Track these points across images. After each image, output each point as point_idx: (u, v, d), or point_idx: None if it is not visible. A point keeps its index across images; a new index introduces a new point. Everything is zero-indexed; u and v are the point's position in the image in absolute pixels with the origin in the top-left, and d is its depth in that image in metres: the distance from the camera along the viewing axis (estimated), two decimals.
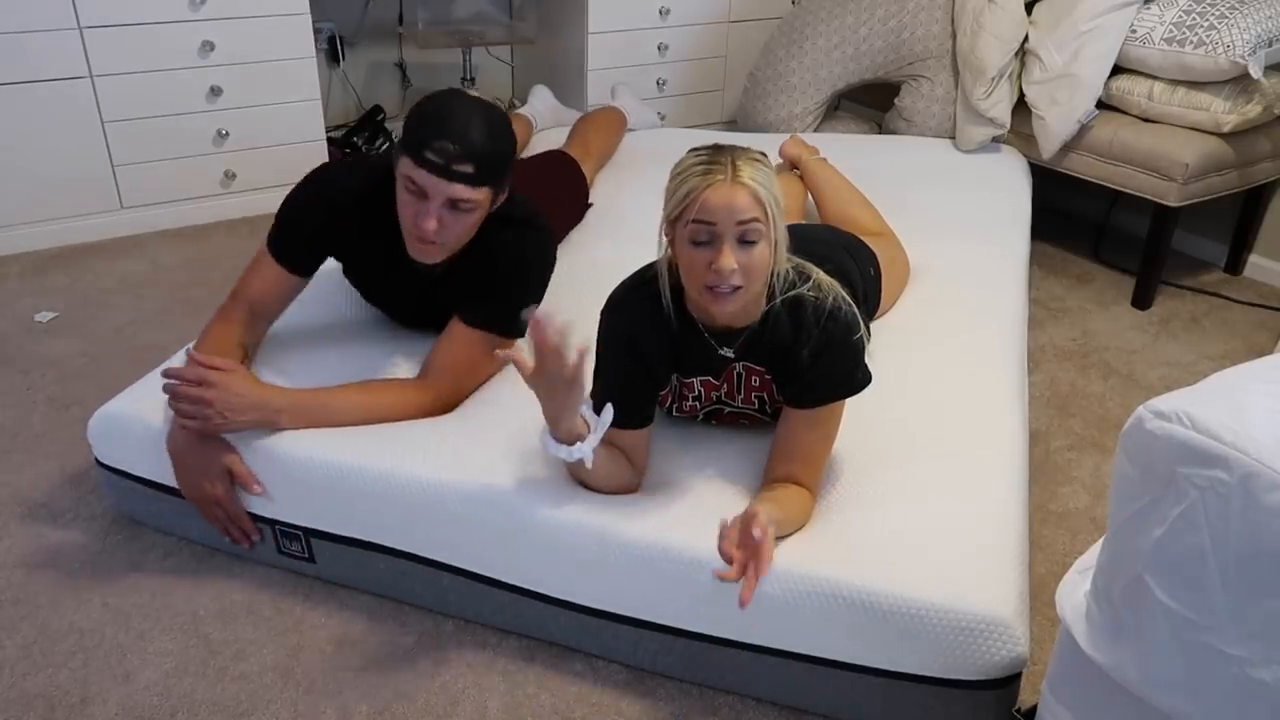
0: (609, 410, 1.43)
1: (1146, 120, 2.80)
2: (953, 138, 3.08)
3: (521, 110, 3.14)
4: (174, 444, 1.65)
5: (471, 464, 1.58)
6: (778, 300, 1.46)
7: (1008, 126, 2.96)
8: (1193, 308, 2.87)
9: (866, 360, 1.52)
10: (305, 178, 1.73)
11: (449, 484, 1.56)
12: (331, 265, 1.87)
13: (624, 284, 1.54)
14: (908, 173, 2.80)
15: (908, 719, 1.45)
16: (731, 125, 3.85)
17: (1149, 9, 2.76)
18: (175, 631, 1.63)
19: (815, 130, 3.27)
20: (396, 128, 3.69)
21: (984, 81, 2.90)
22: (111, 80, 2.83)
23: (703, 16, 3.69)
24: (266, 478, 1.65)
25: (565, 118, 3.21)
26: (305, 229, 1.72)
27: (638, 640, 1.55)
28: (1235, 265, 3.07)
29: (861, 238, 2.00)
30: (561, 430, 1.40)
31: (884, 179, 2.62)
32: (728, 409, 1.63)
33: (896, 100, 3.20)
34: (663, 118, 3.69)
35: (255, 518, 1.70)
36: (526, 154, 2.77)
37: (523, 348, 1.87)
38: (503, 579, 1.58)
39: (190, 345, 1.73)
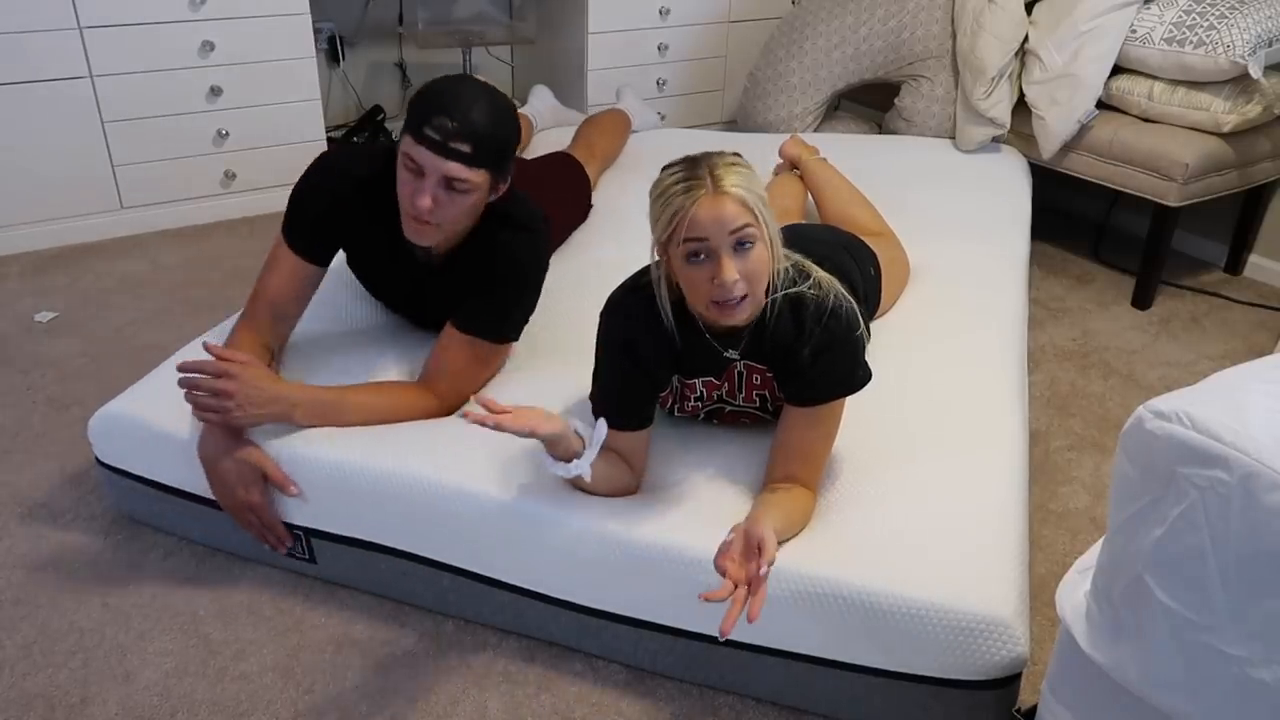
0: (602, 425, 1.44)
1: (1146, 120, 2.80)
2: (953, 138, 3.08)
3: (522, 110, 3.14)
4: (205, 450, 1.62)
5: (472, 464, 1.58)
6: (778, 295, 1.45)
7: (1008, 126, 2.96)
8: (1193, 308, 2.87)
9: (866, 359, 1.52)
10: (310, 165, 1.73)
11: (450, 484, 1.56)
12: (336, 265, 1.87)
13: (622, 286, 1.53)
14: (908, 173, 2.80)
15: (907, 719, 1.45)
16: (731, 125, 3.85)
17: (1149, 9, 2.76)
18: (175, 631, 1.63)
19: (815, 130, 3.27)
20: (396, 128, 3.69)
21: (984, 81, 2.90)
22: (111, 80, 2.83)
23: (703, 16, 3.69)
24: None
25: (565, 118, 3.21)
26: (310, 214, 1.71)
27: (638, 640, 1.55)
28: (1235, 265, 3.07)
29: (861, 238, 1.99)
30: (558, 451, 1.41)
31: (884, 179, 2.61)
32: (729, 408, 1.63)
33: (896, 100, 3.20)
34: (663, 118, 3.69)
35: None
36: (529, 155, 2.77)
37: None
38: (503, 579, 1.58)
39: (204, 339, 1.71)
